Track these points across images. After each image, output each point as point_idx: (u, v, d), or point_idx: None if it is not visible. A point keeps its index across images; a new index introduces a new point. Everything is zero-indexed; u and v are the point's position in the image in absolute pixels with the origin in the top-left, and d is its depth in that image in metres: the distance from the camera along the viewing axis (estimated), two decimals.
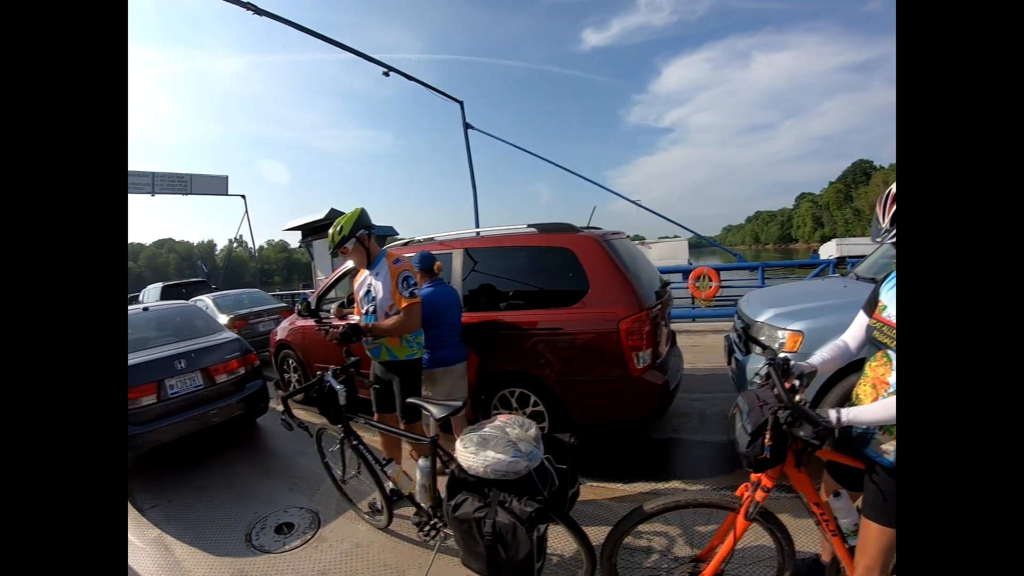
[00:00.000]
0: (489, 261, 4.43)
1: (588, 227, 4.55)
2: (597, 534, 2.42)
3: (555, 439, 2.30)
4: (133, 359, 4.63)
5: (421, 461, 2.80)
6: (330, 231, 3.28)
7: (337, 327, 3.17)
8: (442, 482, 2.45)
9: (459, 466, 2.19)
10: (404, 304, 3.14)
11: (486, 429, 2.22)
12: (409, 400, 2.86)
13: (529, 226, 4.37)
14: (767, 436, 1.73)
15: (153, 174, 23.35)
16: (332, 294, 5.85)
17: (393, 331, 3.18)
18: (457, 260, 4.46)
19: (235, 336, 5.53)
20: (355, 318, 3.59)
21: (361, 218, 3.25)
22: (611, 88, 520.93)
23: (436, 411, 2.58)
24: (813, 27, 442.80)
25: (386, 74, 12.09)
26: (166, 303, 6.82)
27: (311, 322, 5.70)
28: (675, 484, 3.69)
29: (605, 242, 4.00)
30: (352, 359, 3.19)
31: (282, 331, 6.51)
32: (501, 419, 2.30)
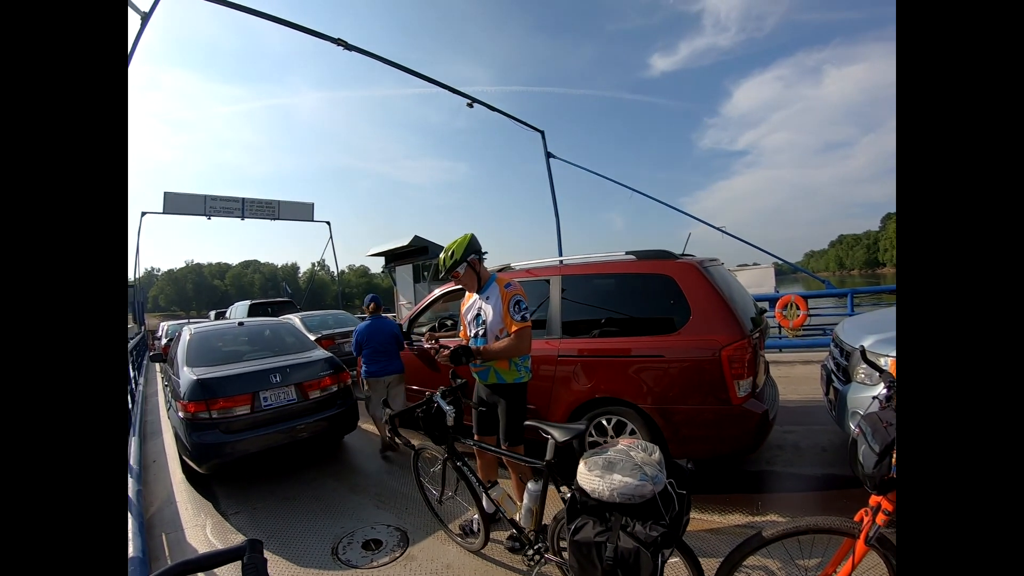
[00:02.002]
0: (587, 288, 4.41)
1: (684, 254, 4.45)
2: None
3: (675, 464, 2.21)
4: (229, 370, 4.81)
5: (531, 484, 2.75)
6: (440, 256, 3.33)
7: (447, 348, 3.17)
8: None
9: (580, 489, 2.12)
10: (515, 328, 3.12)
11: (610, 453, 2.15)
12: (529, 422, 2.79)
13: (627, 253, 4.33)
14: (894, 456, 1.73)
15: (243, 199, 24.64)
16: (422, 318, 5.99)
17: (504, 354, 3.16)
18: (555, 286, 4.46)
19: (329, 354, 5.63)
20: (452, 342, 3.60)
21: (471, 243, 3.28)
22: (682, 112, 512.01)
23: (558, 434, 2.48)
24: (882, 35, 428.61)
25: (470, 105, 12.47)
26: (261, 319, 7.09)
27: None
28: (772, 517, 3.51)
29: (704, 269, 3.91)
30: (459, 381, 3.20)
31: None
32: (624, 443, 2.22)
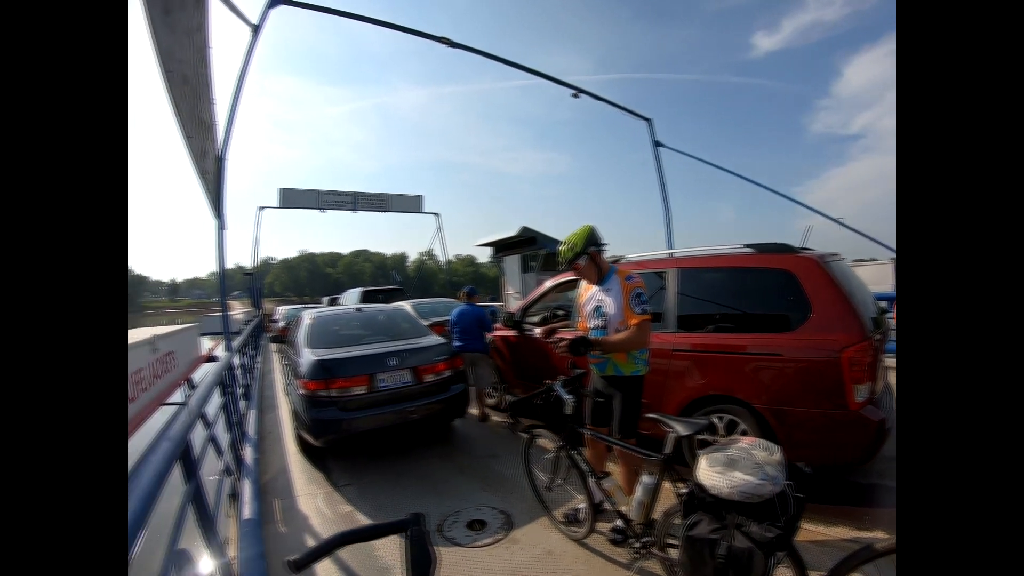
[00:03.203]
0: (703, 281, 4.33)
1: (803, 247, 4.27)
2: None
3: (793, 466, 2.16)
4: (349, 352, 5.11)
5: (645, 477, 2.74)
6: (560, 248, 3.36)
7: (565, 338, 3.18)
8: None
9: (699, 485, 2.12)
10: (635, 320, 3.08)
11: (731, 450, 2.13)
12: (650, 415, 2.77)
13: (745, 246, 4.22)
14: None
15: (355, 193, 25.94)
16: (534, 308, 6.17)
17: (623, 346, 3.14)
18: (671, 279, 4.40)
19: (443, 340, 5.84)
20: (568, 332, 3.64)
21: (591, 235, 3.28)
22: (791, 95, 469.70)
23: (681, 428, 2.48)
24: None
25: (575, 96, 12.40)
26: (378, 306, 7.45)
27: (511, 332, 6.03)
28: (879, 534, 3.29)
29: (825, 264, 3.73)
30: (578, 371, 3.24)
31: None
32: (745, 441, 2.20)
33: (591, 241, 3.26)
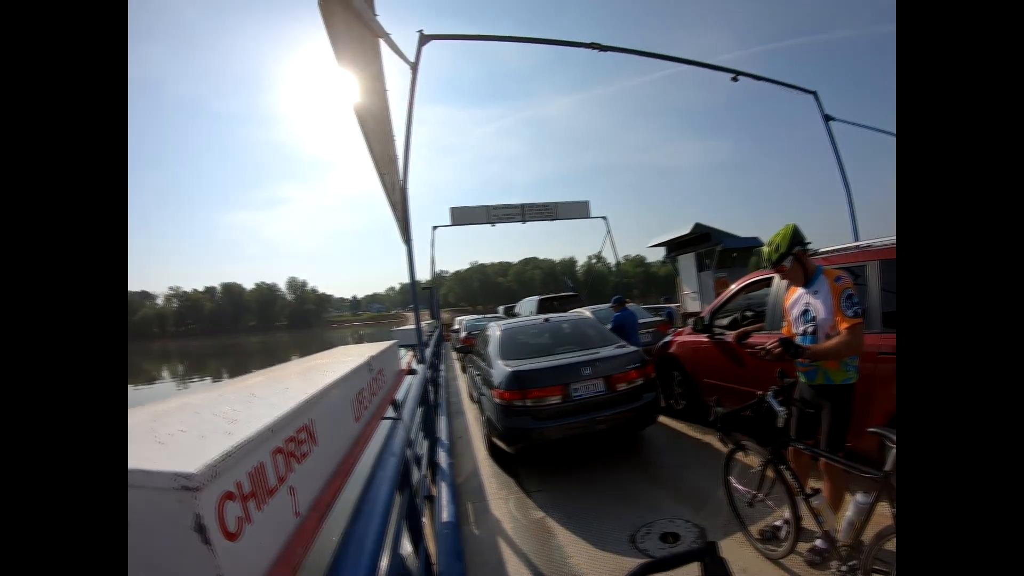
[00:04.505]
0: None
1: None
2: None
3: None
4: (544, 363, 5.32)
5: (860, 496, 2.59)
6: (764, 249, 3.28)
7: (774, 344, 3.06)
8: None
9: None
10: (846, 324, 2.86)
11: None
12: (872, 429, 2.52)
13: None
14: None
15: (523, 205, 26.73)
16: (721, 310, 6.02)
17: (835, 353, 2.93)
18: (873, 273, 3.92)
19: (635, 348, 5.85)
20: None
21: (795, 234, 3.12)
22: None
23: None
24: None
25: (735, 79, 11.85)
26: (562, 315, 7.70)
27: (701, 337, 5.86)
28: None
29: None
30: (787, 380, 3.09)
31: (666, 345, 6.77)
32: None
33: (796, 240, 3.11)
